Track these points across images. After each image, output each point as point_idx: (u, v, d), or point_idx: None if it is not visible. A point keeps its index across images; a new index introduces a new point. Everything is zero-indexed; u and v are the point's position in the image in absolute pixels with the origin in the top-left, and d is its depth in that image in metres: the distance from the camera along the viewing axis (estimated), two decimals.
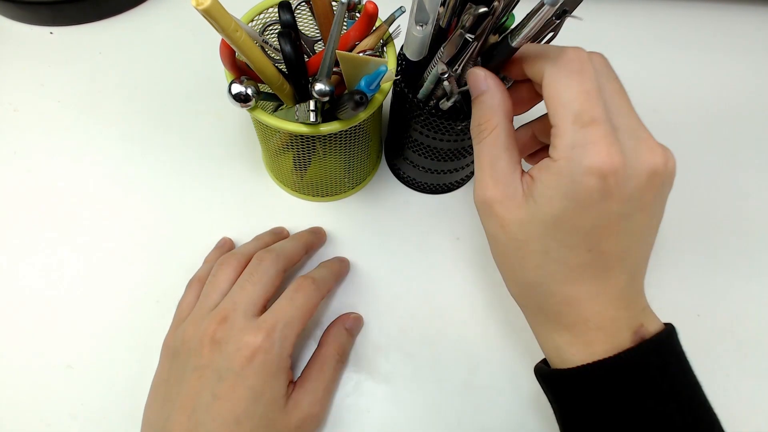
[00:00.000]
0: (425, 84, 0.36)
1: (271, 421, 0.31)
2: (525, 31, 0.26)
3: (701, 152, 0.50)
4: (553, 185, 0.24)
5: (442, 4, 0.34)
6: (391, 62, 0.36)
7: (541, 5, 0.25)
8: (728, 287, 0.43)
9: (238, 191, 0.45)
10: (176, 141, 0.47)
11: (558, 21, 0.30)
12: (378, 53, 0.38)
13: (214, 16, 0.27)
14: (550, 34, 0.31)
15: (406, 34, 0.34)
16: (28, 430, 0.36)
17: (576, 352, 0.27)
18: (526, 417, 0.38)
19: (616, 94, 0.26)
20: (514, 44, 0.28)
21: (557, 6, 0.25)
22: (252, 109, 0.35)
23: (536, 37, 0.27)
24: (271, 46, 0.39)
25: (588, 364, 0.26)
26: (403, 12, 0.36)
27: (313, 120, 0.33)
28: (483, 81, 0.27)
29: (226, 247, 0.42)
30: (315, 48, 0.42)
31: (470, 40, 0.32)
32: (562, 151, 0.24)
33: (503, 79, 0.30)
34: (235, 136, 0.48)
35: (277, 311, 0.33)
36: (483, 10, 0.32)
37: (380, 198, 0.46)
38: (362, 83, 0.32)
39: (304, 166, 0.41)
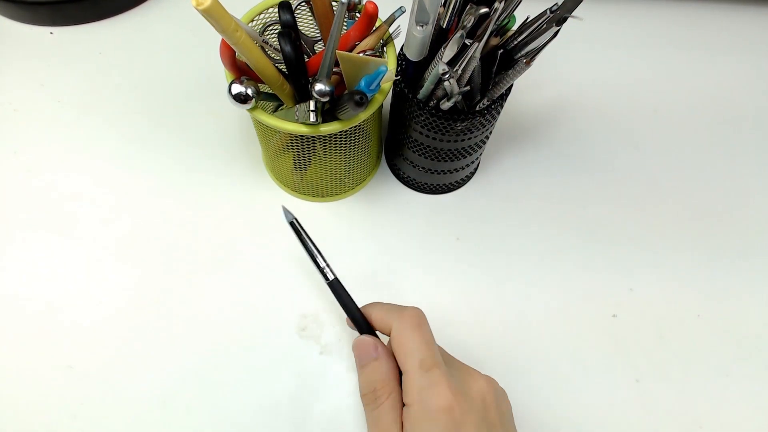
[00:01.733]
0: (425, 84, 0.36)
1: None
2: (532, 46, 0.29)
3: (701, 152, 0.50)
4: (417, 429, 0.27)
5: (443, 5, 0.34)
6: (391, 62, 0.36)
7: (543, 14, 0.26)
8: (728, 287, 0.43)
9: (238, 191, 0.45)
10: (176, 141, 0.47)
11: (558, 28, 0.30)
12: (378, 53, 0.38)
13: (214, 16, 0.27)
14: (551, 36, 0.31)
15: (406, 35, 0.34)
16: (28, 430, 0.36)
17: None
18: (524, 415, 0.38)
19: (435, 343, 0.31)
20: (517, 57, 0.28)
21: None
22: (252, 109, 0.35)
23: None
24: (271, 46, 0.39)
25: None
26: (404, 12, 0.36)
27: (313, 120, 0.33)
28: (374, 349, 0.30)
29: None
30: (315, 48, 0.42)
31: (468, 44, 0.32)
32: (413, 395, 0.28)
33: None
34: (235, 136, 0.48)
35: None
36: (484, 10, 0.32)
37: (380, 198, 0.46)
38: (362, 83, 0.32)
39: (304, 166, 0.41)
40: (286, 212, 0.34)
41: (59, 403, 0.37)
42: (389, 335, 0.31)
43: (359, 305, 0.33)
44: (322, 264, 0.33)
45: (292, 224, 0.34)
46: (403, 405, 0.29)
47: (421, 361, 0.28)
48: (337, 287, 0.33)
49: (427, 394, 0.27)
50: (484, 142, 0.42)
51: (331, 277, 0.33)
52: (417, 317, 0.30)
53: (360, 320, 0.33)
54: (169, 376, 0.38)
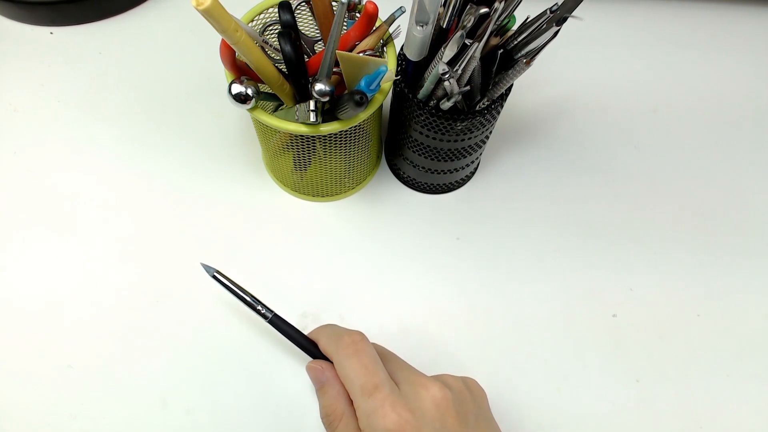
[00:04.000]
0: (425, 84, 0.36)
1: None
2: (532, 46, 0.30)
3: (701, 152, 0.50)
4: None
5: (443, 5, 0.34)
6: (391, 62, 0.36)
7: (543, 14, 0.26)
8: (728, 287, 0.43)
9: (238, 191, 0.45)
10: (176, 141, 0.47)
11: (558, 28, 0.30)
12: (378, 53, 0.38)
13: (214, 16, 0.27)
14: (551, 36, 0.31)
15: (406, 35, 0.34)
16: (28, 430, 0.36)
17: None
18: (524, 415, 0.38)
19: (389, 356, 0.32)
20: (517, 57, 0.28)
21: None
22: (252, 109, 0.35)
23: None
24: (271, 46, 0.39)
25: None
26: (403, 12, 0.36)
27: (313, 120, 0.33)
28: (322, 373, 0.31)
29: None
30: (315, 48, 0.42)
31: (468, 44, 0.32)
32: (362, 421, 0.28)
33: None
34: (235, 136, 0.48)
35: None
36: (484, 10, 0.32)
37: (380, 198, 0.46)
38: (362, 83, 0.32)
39: (304, 166, 0.41)
40: (207, 268, 0.34)
41: (59, 403, 0.37)
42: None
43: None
44: (257, 306, 0.34)
45: (214, 277, 0.34)
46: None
47: (361, 387, 0.28)
48: (277, 323, 0.34)
49: (373, 420, 0.27)
50: (484, 142, 0.42)
51: (269, 315, 0.34)
52: (353, 344, 0.30)
53: (309, 347, 0.34)
54: (169, 376, 0.38)
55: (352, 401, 0.30)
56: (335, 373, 0.31)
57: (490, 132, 0.41)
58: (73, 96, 0.49)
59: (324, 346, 0.33)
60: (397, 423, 0.27)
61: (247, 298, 0.34)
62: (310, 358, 0.34)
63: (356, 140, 0.39)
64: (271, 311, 0.34)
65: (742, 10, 0.59)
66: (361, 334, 0.31)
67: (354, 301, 0.41)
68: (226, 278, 0.34)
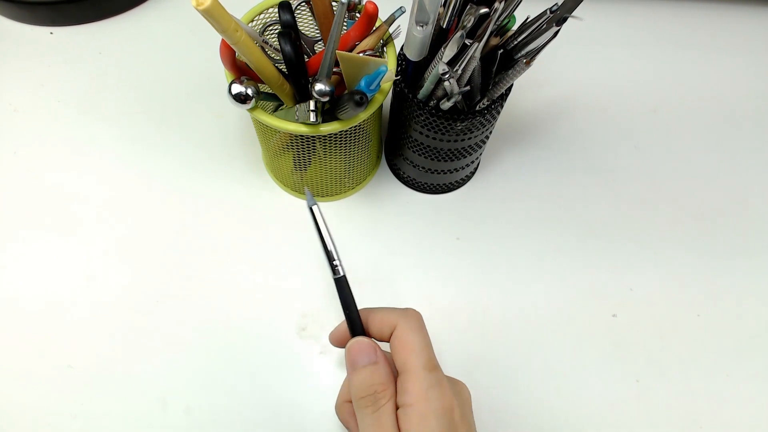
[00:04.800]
0: (425, 84, 0.36)
1: None
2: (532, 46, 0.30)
3: (701, 152, 0.50)
4: (420, 428, 0.27)
5: (443, 5, 0.34)
6: (391, 62, 0.36)
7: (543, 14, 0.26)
8: (728, 287, 0.43)
9: (238, 191, 0.45)
10: (176, 141, 0.47)
11: (558, 28, 0.30)
12: (378, 53, 0.38)
13: (214, 16, 0.27)
14: (551, 36, 0.31)
15: (406, 35, 0.34)
16: (28, 430, 0.36)
17: None
18: (524, 415, 0.38)
19: None
20: (517, 57, 0.28)
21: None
22: (252, 109, 0.35)
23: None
24: (271, 46, 0.39)
25: None
26: (403, 12, 0.36)
27: (313, 120, 0.33)
28: (374, 352, 0.30)
29: None
30: (315, 48, 0.42)
31: (468, 44, 0.32)
32: (416, 394, 0.28)
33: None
34: (235, 136, 0.48)
35: None
36: (484, 10, 0.32)
37: (380, 198, 0.46)
38: (362, 83, 0.32)
39: (304, 166, 0.41)
40: (310, 197, 0.32)
41: (59, 403, 0.37)
42: (387, 338, 0.31)
43: (375, 305, 0.33)
44: (334, 260, 0.33)
45: (311, 210, 0.32)
46: (397, 407, 0.29)
47: (428, 359, 0.29)
48: (343, 285, 0.33)
49: (432, 394, 0.28)
50: (484, 142, 0.42)
51: (340, 274, 0.33)
52: (420, 318, 0.31)
53: (357, 322, 0.33)
54: (169, 376, 0.38)
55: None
56: (385, 355, 0.31)
57: (490, 132, 0.41)
58: (73, 96, 0.49)
59: (382, 317, 0.31)
60: (451, 404, 0.28)
61: (330, 247, 0.32)
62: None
63: (356, 140, 0.39)
64: (344, 271, 0.33)
65: (742, 10, 0.59)
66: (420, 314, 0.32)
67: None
68: (321, 218, 0.32)
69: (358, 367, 0.30)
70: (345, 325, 0.32)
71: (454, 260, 0.43)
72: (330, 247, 0.33)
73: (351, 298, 0.33)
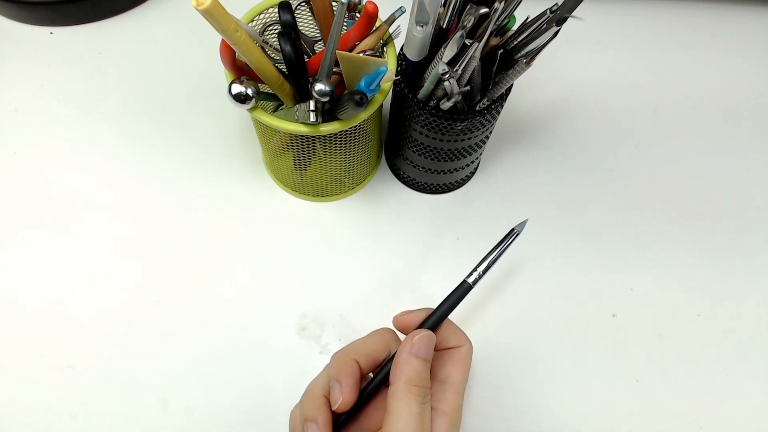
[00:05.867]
0: (425, 84, 0.36)
1: None
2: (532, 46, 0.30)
3: (701, 152, 0.50)
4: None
5: (443, 5, 0.34)
6: (391, 62, 0.36)
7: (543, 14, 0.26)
8: (728, 287, 0.43)
9: (238, 191, 0.45)
10: (176, 141, 0.47)
11: (558, 28, 0.30)
12: (378, 53, 0.38)
13: (214, 16, 0.27)
14: (551, 36, 0.31)
15: (406, 35, 0.34)
16: (28, 430, 0.36)
17: None
18: (524, 415, 0.38)
19: None
20: (517, 57, 0.28)
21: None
22: (252, 109, 0.35)
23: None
24: (271, 46, 0.39)
25: None
26: (403, 12, 0.36)
27: (313, 120, 0.33)
28: (432, 352, 0.31)
29: None
30: (315, 48, 0.42)
31: (468, 44, 0.32)
32: (454, 407, 0.30)
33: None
34: (235, 136, 0.48)
35: None
36: (484, 10, 0.32)
37: (380, 198, 0.46)
38: (362, 83, 0.32)
39: (304, 166, 0.41)
40: (521, 225, 0.33)
41: (59, 403, 0.37)
42: (444, 348, 0.32)
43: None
44: (482, 269, 0.33)
45: (512, 231, 0.33)
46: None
47: (465, 385, 0.32)
48: (466, 292, 0.33)
49: (460, 413, 0.31)
50: (484, 142, 0.42)
51: (474, 281, 0.33)
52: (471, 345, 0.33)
53: (440, 322, 0.33)
54: (169, 375, 0.38)
55: None
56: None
57: (490, 132, 0.41)
58: (73, 96, 0.49)
59: (455, 330, 0.33)
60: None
61: (493, 262, 0.33)
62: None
63: (356, 140, 0.39)
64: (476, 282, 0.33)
65: (742, 10, 0.59)
66: None
67: (354, 300, 0.41)
68: (512, 240, 0.33)
69: (421, 356, 0.31)
70: (420, 315, 0.33)
71: (454, 260, 0.43)
72: (493, 261, 0.33)
73: (457, 304, 0.33)
